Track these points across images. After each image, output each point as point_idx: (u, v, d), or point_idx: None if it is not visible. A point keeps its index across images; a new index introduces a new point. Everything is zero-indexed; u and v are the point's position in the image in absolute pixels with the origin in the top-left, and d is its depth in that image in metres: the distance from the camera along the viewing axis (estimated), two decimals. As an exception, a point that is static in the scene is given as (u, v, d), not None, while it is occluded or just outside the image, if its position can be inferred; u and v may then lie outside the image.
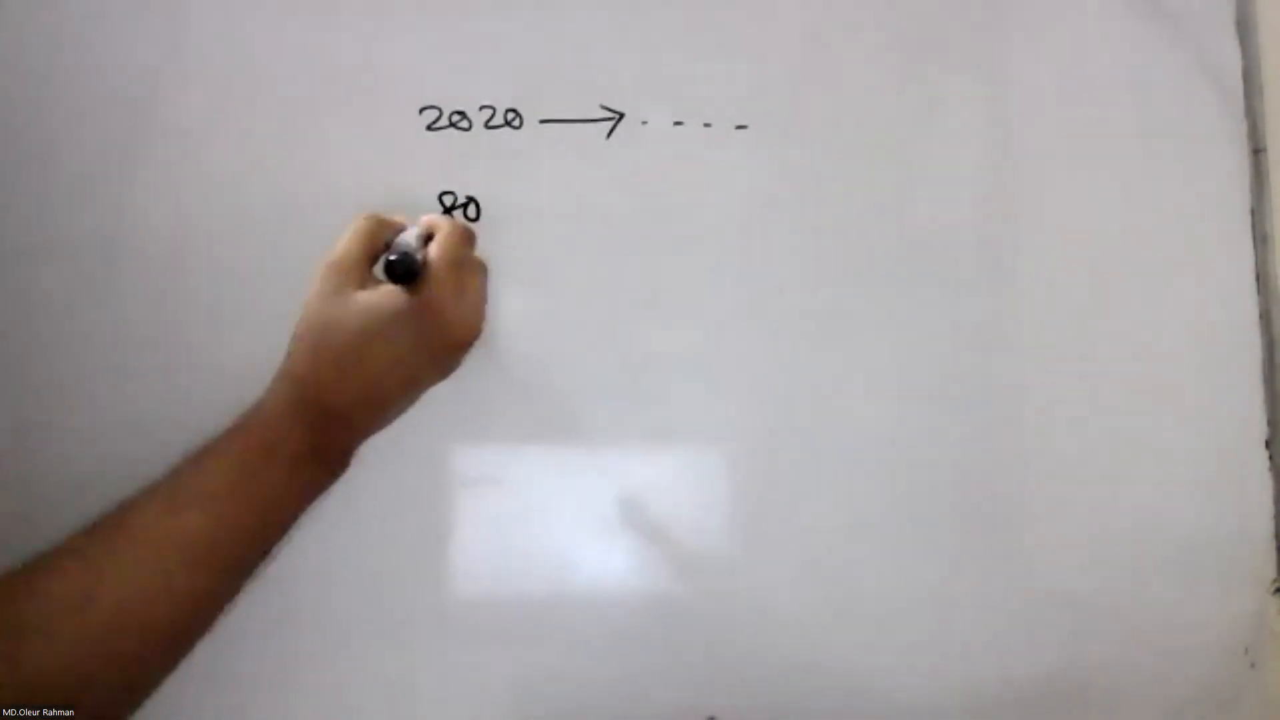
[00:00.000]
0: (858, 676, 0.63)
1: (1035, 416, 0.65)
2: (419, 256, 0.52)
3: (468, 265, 0.54)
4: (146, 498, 0.46)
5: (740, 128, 0.64)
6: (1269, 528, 0.67)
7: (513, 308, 0.62)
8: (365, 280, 0.51)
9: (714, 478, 0.63)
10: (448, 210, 0.62)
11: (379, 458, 0.60)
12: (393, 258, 0.50)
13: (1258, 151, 0.69)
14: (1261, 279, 0.68)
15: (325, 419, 0.49)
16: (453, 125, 0.62)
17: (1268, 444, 0.67)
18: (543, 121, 0.63)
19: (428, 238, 0.54)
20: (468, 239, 0.54)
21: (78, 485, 0.58)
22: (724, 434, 0.63)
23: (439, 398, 0.61)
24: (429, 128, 0.62)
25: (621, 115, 0.64)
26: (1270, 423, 0.67)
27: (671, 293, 0.63)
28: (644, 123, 0.64)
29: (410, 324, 0.50)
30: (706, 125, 0.64)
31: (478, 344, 0.56)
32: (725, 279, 0.64)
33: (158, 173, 0.60)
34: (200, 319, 0.60)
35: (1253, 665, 0.66)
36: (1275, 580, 0.67)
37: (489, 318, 0.57)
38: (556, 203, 0.63)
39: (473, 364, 0.61)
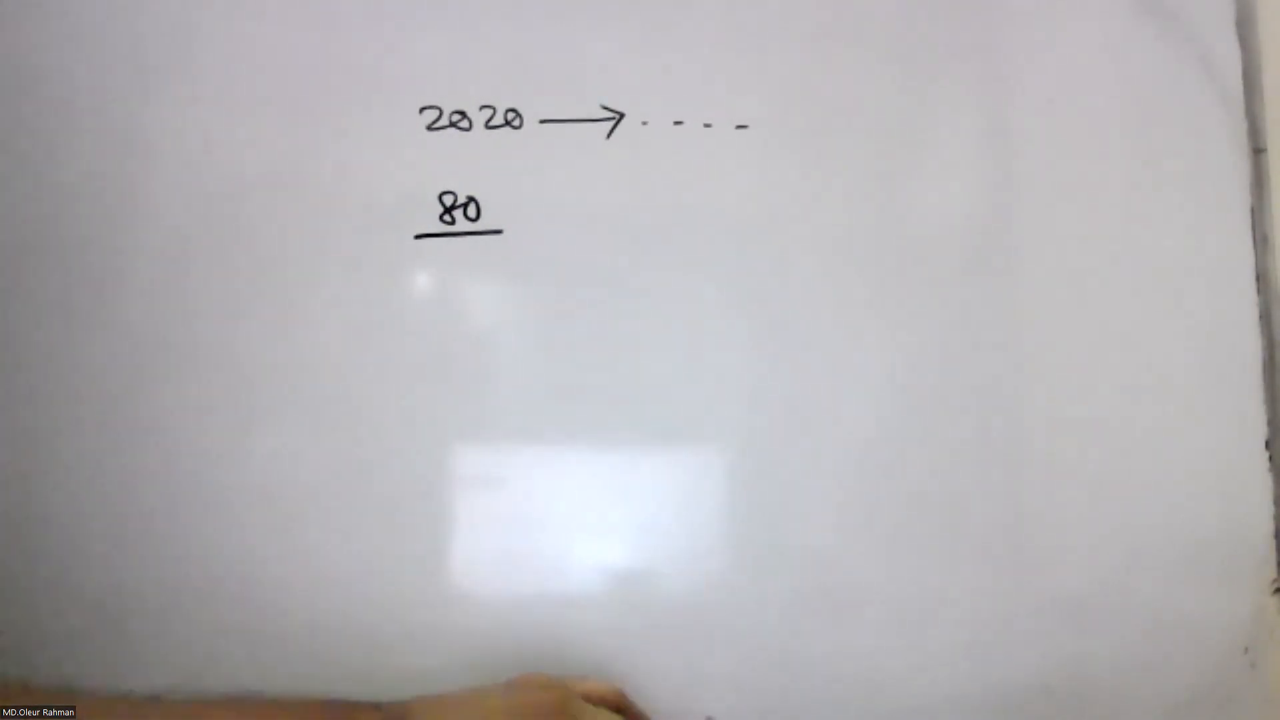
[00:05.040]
0: (856, 677, 0.63)
1: (1035, 417, 0.65)
2: None
3: None
4: None
5: (740, 128, 0.64)
6: (1269, 528, 0.67)
7: (513, 307, 0.62)
8: None
9: (713, 478, 0.63)
10: (448, 210, 0.62)
11: (379, 458, 0.60)
12: None
13: (1258, 151, 0.69)
14: (1261, 279, 0.68)
15: None
16: (453, 125, 0.62)
17: (1268, 444, 0.67)
18: (543, 121, 0.63)
19: None
20: None
21: (78, 485, 0.58)
22: (723, 434, 0.63)
23: (439, 397, 0.61)
24: (429, 128, 0.62)
25: (621, 115, 0.64)
26: (1270, 423, 0.67)
27: (671, 292, 0.63)
28: (644, 123, 0.64)
29: None
30: (706, 125, 0.64)
31: None
32: (725, 279, 0.64)
33: (159, 173, 0.60)
34: (200, 318, 0.60)
35: (1253, 665, 0.66)
36: (1275, 580, 0.67)
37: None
38: (556, 203, 0.63)
39: (473, 364, 0.62)
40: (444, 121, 0.62)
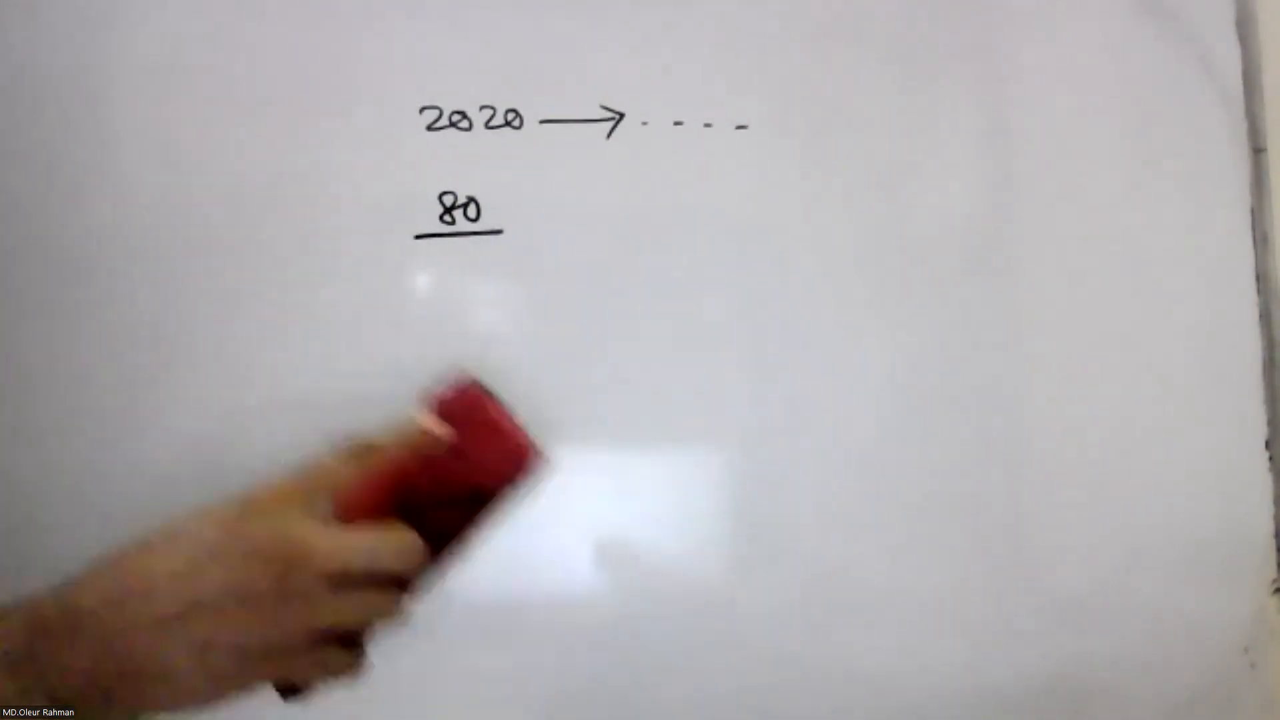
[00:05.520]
0: (856, 677, 0.63)
1: (1035, 417, 0.65)
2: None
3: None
4: None
5: (740, 128, 0.64)
6: (1269, 528, 0.67)
7: (513, 307, 0.62)
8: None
9: (712, 478, 0.63)
10: (448, 210, 0.62)
11: (379, 458, 0.60)
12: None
13: (1258, 151, 0.69)
14: (1261, 279, 0.68)
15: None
16: (453, 125, 0.62)
17: (1268, 444, 0.67)
18: (543, 121, 0.63)
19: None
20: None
21: (76, 486, 0.58)
22: (722, 434, 0.63)
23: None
24: (429, 128, 0.62)
25: (621, 115, 0.64)
26: (1270, 423, 0.67)
27: (671, 292, 0.63)
28: (644, 123, 0.64)
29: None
30: (706, 125, 0.64)
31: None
32: (725, 279, 0.64)
33: (159, 172, 0.60)
34: (201, 318, 0.60)
35: (1253, 665, 0.66)
36: (1275, 580, 0.67)
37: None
38: (556, 203, 0.63)
39: (473, 364, 0.61)
40: (444, 121, 0.62)
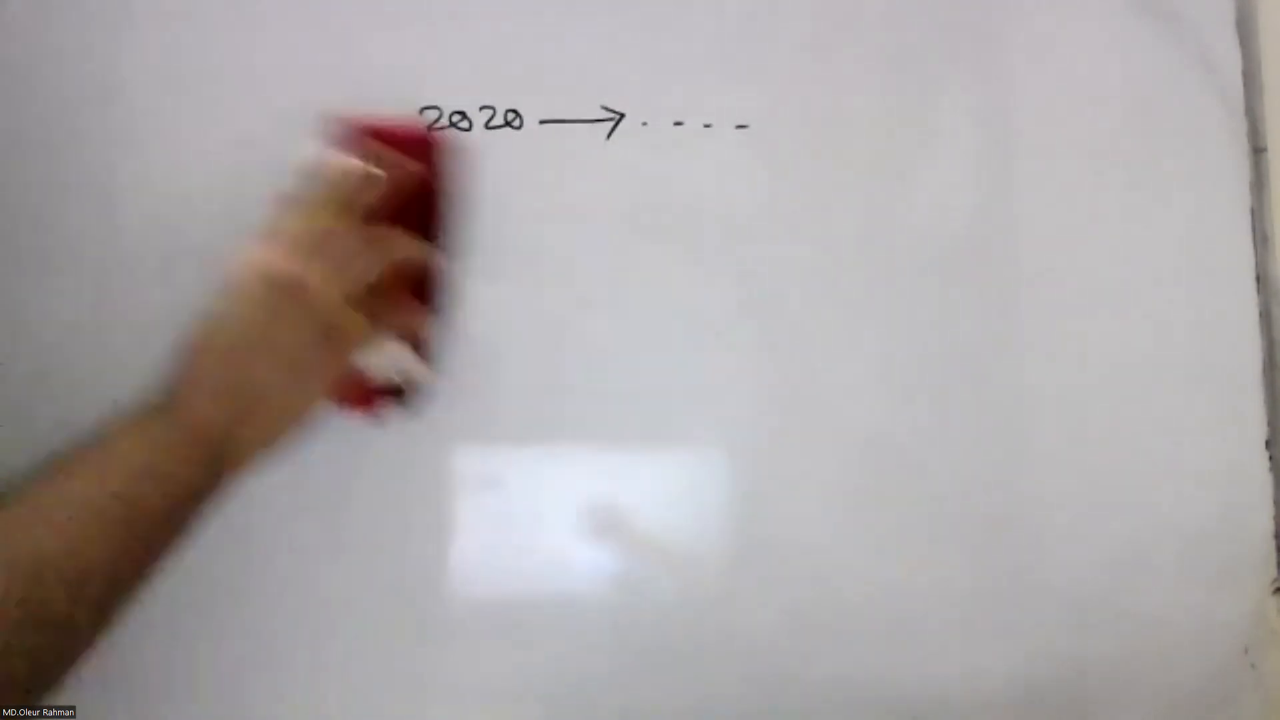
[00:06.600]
0: (855, 676, 0.63)
1: (1035, 417, 0.65)
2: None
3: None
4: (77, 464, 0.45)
5: (740, 128, 0.64)
6: (1269, 528, 0.67)
7: (512, 307, 0.62)
8: None
9: (712, 478, 0.63)
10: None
11: (380, 458, 0.60)
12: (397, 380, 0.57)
13: (1258, 151, 0.69)
14: (1261, 279, 0.68)
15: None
16: (453, 125, 0.62)
17: (1268, 444, 0.67)
18: (543, 121, 0.63)
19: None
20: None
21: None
22: (722, 434, 0.63)
23: (439, 398, 0.61)
24: (429, 128, 0.62)
25: (621, 115, 0.64)
26: (1270, 423, 0.67)
27: (671, 292, 0.63)
28: (644, 123, 0.64)
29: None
30: (706, 125, 0.64)
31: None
32: (725, 279, 0.64)
33: (160, 172, 0.60)
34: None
35: (1253, 665, 0.66)
36: (1275, 580, 0.67)
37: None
38: (556, 203, 0.63)
39: (473, 364, 0.62)
40: (444, 121, 0.62)
